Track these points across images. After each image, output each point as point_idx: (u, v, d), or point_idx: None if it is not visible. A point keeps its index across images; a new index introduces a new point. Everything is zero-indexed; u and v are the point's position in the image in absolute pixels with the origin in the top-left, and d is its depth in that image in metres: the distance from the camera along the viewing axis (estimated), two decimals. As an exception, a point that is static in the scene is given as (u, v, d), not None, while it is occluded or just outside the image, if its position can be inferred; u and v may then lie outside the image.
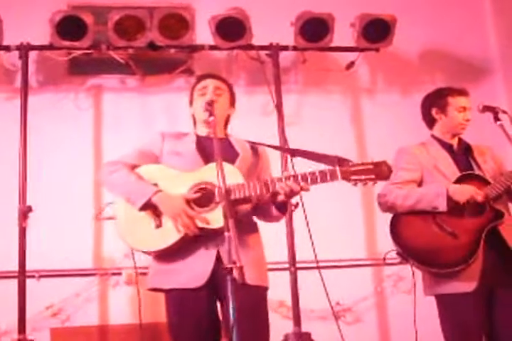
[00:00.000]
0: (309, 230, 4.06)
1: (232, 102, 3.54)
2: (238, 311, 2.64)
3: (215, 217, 3.05)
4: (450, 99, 3.89)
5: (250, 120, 5.16)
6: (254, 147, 3.48)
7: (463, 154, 3.86)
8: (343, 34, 5.20)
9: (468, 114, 3.85)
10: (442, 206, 3.64)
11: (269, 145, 3.56)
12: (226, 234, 2.67)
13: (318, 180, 3.05)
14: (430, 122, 3.96)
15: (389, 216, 3.92)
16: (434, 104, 3.94)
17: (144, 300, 3.77)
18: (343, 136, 5.35)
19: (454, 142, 3.89)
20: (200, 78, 3.55)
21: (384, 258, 3.93)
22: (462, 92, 3.90)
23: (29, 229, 4.64)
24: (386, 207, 3.85)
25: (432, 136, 3.93)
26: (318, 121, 5.40)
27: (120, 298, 4.89)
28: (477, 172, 3.72)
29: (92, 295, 4.98)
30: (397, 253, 3.77)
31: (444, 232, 3.65)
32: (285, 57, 5.45)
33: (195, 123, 3.54)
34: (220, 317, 3.21)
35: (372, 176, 2.98)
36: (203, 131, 3.45)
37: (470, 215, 3.64)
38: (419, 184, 3.85)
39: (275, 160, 4.59)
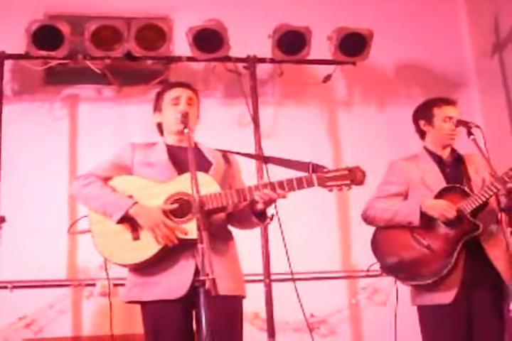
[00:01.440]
0: (284, 242, 4.07)
1: (198, 113, 3.50)
2: (213, 322, 2.64)
3: (192, 228, 3.03)
4: (436, 110, 3.90)
5: (227, 131, 5.19)
6: (225, 155, 3.47)
7: (453, 165, 3.86)
8: (320, 47, 5.22)
9: (455, 123, 3.82)
10: (416, 221, 3.69)
11: (241, 154, 3.56)
12: (199, 245, 2.67)
13: (295, 187, 3.06)
14: (421, 134, 3.99)
15: (363, 228, 3.97)
16: (421, 116, 3.97)
17: (118, 312, 3.75)
18: (319, 148, 5.35)
19: (446, 153, 3.89)
20: (172, 86, 3.51)
21: (367, 270, 3.97)
22: (449, 102, 3.92)
23: (2, 239, 4.61)
24: (368, 221, 3.92)
25: (424, 147, 3.94)
26: (295, 134, 5.41)
27: (94, 309, 4.85)
28: (458, 185, 3.71)
29: (66, 307, 4.95)
30: (380, 267, 3.84)
31: (420, 246, 3.69)
32: (262, 70, 5.46)
33: (161, 131, 3.50)
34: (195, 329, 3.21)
35: (347, 182, 3.03)
36: (173, 140, 3.43)
37: (447, 228, 3.66)
38: (405, 197, 3.87)
39: (249, 169, 4.62)
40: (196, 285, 2.67)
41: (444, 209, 3.63)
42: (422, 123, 3.95)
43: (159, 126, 3.51)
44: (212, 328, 2.63)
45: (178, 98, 3.41)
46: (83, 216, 3.32)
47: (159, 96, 3.49)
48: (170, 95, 3.44)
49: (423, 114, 3.95)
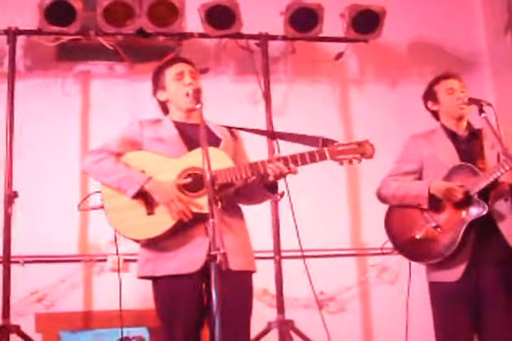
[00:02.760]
0: (294, 219, 4.07)
1: None
2: (224, 297, 2.64)
3: (206, 202, 3.04)
4: (436, 87, 3.92)
5: (238, 108, 5.19)
6: (231, 131, 3.47)
7: (468, 141, 3.84)
8: (333, 24, 5.20)
9: (458, 93, 3.83)
10: (424, 203, 3.71)
11: (249, 130, 3.56)
12: (210, 220, 2.68)
13: (308, 160, 3.07)
14: (434, 115, 3.99)
15: (373, 206, 3.99)
16: (427, 98, 3.98)
17: (129, 288, 3.78)
18: (330, 125, 5.34)
19: (461, 128, 3.86)
20: (172, 62, 3.48)
21: (381, 248, 4.00)
22: (446, 76, 3.92)
23: (15, 214, 4.63)
24: (381, 200, 3.94)
25: (441, 124, 3.93)
26: (306, 111, 5.41)
27: (105, 284, 4.89)
28: (468, 164, 3.69)
29: (77, 282, 4.99)
30: (392, 245, 3.88)
31: (429, 225, 3.71)
32: (274, 47, 5.44)
33: (165, 109, 3.50)
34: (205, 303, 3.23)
35: (358, 155, 3.05)
36: (180, 116, 3.42)
37: (456, 208, 3.66)
38: (420, 174, 3.88)
39: (260, 145, 4.63)
40: (207, 259, 2.69)
41: (451, 192, 3.64)
42: (430, 104, 3.96)
43: (163, 105, 3.50)
44: (223, 303, 2.64)
45: (181, 73, 3.40)
46: (93, 192, 3.33)
47: (159, 73, 3.47)
48: (172, 71, 3.43)
49: (428, 95, 3.97)
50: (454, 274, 3.61)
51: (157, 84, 3.48)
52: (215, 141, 3.30)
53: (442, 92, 3.89)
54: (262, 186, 3.21)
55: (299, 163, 3.09)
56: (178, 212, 3.10)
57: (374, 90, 5.63)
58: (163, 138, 3.33)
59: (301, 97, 5.50)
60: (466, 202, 3.63)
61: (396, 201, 3.85)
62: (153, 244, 3.21)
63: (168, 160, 3.24)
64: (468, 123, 3.89)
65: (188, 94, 3.27)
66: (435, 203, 3.71)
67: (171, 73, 3.42)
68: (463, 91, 3.85)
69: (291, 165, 3.08)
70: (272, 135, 4.14)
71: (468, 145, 3.83)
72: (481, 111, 3.56)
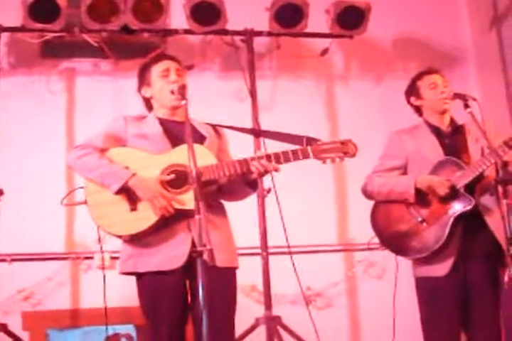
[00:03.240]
0: (281, 215, 4.08)
1: None
2: (209, 293, 2.67)
3: (188, 198, 3.07)
4: (419, 83, 3.93)
5: (224, 105, 5.19)
6: (216, 129, 3.48)
7: (452, 136, 3.86)
8: (318, 20, 5.20)
9: (441, 88, 3.85)
10: (411, 198, 3.73)
11: (235, 128, 3.57)
12: (196, 216, 2.70)
13: (291, 158, 3.12)
14: (417, 111, 4.00)
15: (360, 201, 3.99)
16: (410, 93, 3.99)
17: (116, 285, 3.77)
18: (316, 121, 5.36)
19: (444, 124, 3.88)
20: (158, 59, 3.48)
21: (368, 244, 4.01)
22: (428, 71, 3.94)
23: (1, 212, 4.61)
24: (367, 196, 3.95)
25: (424, 120, 3.95)
26: (292, 107, 5.42)
27: (92, 282, 4.87)
28: (453, 158, 3.71)
29: (64, 280, 4.98)
30: (379, 240, 3.90)
31: (416, 220, 3.72)
32: (260, 43, 5.44)
33: (149, 105, 3.49)
34: (189, 299, 3.24)
35: (341, 154, 3.11)
36: (164, 113, 3.42)
37: (442, 203, 3.68)
38: (404, 170, 3.89)
39: (246, 143, 4.63)
40: (194, 255, 2.70)
41: (436, 185, 3.65)
42: (413, 99, 3.97)
43: (147, 101, 3.49)
44: (209, 299, 2.66)
45: (167, 70, 3.39)
46: (78, 187, 3.33)
47: (145, 70, 3.46)
48: (158, 68, 3.42)
49: (411, 90, 3.98)
50: (441, 269, 3.63)
51: (142, 80, 3.48)
52: (199, 139, 3.31)
53: (425, 87, 3.90)
54: (243, 183, 3.24)
55: (282, 161, 3.13)
56: (161, 208, 3.11)
57: (359, 86, 5.64)
58: (147, 134, 3.33)
59: (287, 93, 5.50)
60: (452, 196, 3.64)
61: (382, 197, 3.85)
62: (135, 239, 3.22)
63: (151, 157, 3.25)
64: (451, 119, 3.91)
65: (173, 92, 3.28)
66: (421, 198, 3.73)
67: (156, 70, 3.42)
68: (445, 86, 3.87)
69: (273, 163, 3.11)
70: (256, 133, 4.16)
71: (452, 140, 3.85)
72: (466, 105, 3.57)
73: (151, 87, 3.44)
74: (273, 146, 3.29)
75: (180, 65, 3.47)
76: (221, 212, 3.36)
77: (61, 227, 5.00)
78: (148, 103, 3.50)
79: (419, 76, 3.95)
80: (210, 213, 3.15)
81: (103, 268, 3.71)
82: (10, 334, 4.44)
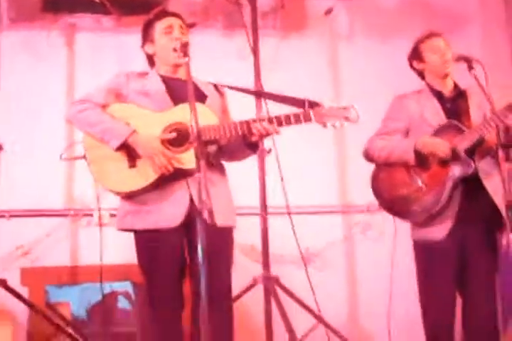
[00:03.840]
0: (281, 176, 4.08)
1: None
2: (206, 251, 2.68)
3: (188, 157, 3.05)
4: (421, 46, 3.91)
5: (227, 63, 5.14)
6: (217, 88, 3.46)
7: (454, 101, 3.85)
8: (323, -21, 5.15)
9: (443, 51, 3.83)
10: (411, 160, 3.73)
11: (236, 88, 3.55)
12: (197, 174, 2.70)
13: (292, 121, 3.12)
14: (420, 75, 3.99)
15: (360, 163, 4.00)
16: (412, 57, 3.97)
17: (116, 242, 3.78)
18: (321, 81, 5.32)
19: (447, 88, 3.87)
20: (161, 15, 3.47)
21: (368, 207, 4.01)
22: (430, 35, 3.92)
23: (0, 167, 4.61)
24: (368, 158, 3.95)
25: (426, 84, 3.94)
26: (296, 67, 5.36)
27: (91, 238, 4.88)
28: (454, 121, 3.71)
29: (63, 236, 4.98)
30: (378, 203, 3.92)
31: (415, 183, 3.73)
32: (264, 2, 5.37)
33: (152, 62, 3.47)
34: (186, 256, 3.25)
35: (342, 119, 3.11)
36: (167, 70, 3.40)
37: (442, 165, 3.68)
38: (406, 133, 3.89)
39: (248, 103, 4.60)
40: (193, 214, 2.70)
41: (436, 147, 3.65)
42: (415, 63, 3.96)
43: (150, 58, 3.48)
44: (205, 255, 2.68)
45: (171, 26, 3.38)
46: (76, 142, 3.33)
47: (149, 26, 3.45)
48: (161, 24, 3.41)
49: (413, 54, 3.96)
50: (439, 232, 3.64)
51: (146, 37, 3.46)
52: (201, 97, 3.29)
53: (428, 51, 3.88)
54: (244, 144, 3.23)
55: (284, 123, 3.12)
56: (161, 167, 3.11)
57: (364, 45, 5.57)
58: (149, 92, 3.31)
59: (291, 53, 5.44)
60: (452, 159, 3.64)
61: (382, 159, 3.85)
62: (133, 196, 3.23)
63: (153, 114, 3.23)
64: (454, 83, 3.90)
65: (175, 49, 3.26)
66: (421, 160, 3.72)
67: (160, 26, 3.40)
68: (447, 50, 3.85)
69: (276, 125, 3.10)
70: (257, 94, 4.13)
71: (454, 105, 3.84)
72: (470, 67, 3.55)
73: (154, 44, 3.42)
74: (276, 107, 3.27)
75: (184, 22, 3.45)
76: (220, 171, 3.37)
77: (60, 183, 4.99)
78: (151, 59, 3.48)
79: (422, 39, 3.93)
80: (210, 172, 3.15)
81: (100, 225, 3.71)
82: (9, 289, 4.46)
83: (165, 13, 3.55)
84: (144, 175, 3.15)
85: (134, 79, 3.37)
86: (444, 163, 3.67)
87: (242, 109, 3.52)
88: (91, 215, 4.93)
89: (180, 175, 3.14)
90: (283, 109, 3.16)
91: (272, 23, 5.54)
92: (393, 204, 3.80)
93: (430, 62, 3.88)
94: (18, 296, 4.47)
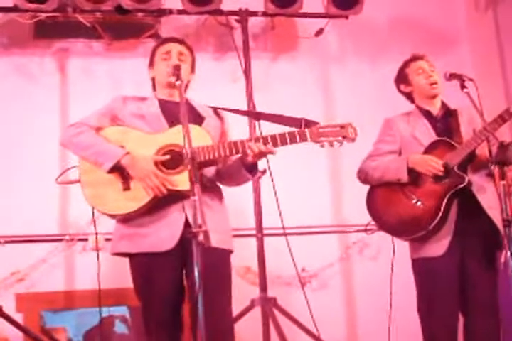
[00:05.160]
0: (276, 197, 4.07)
1: (193, 68, 3.51)
2: (203, 274, 2.67)
3: (182, 179, 3.03)
4: (407, 70, 3.97)
5: (219, 86, 5.16)
6: (216, 111, 3.47)
7: (443, 119, 3.88)
8: (313, 1, 5.17)
9: (428, 72, 3.89)
10: (404, 177, 3.74)
11: (232, 110, 3.55)
12: (192, 198, 2.69)
13: (288, 141, 3.10)
14: (408, 98, 4.03)
15: (354, 183, 4.00)
16: (399, 81, 4.03)
17: (111, 266, 3.76)
18: (311, 102, 5.34)
19: (436, 107, 3.91)
20: (163, 42, 3.53)
21: (366, 225, 4.01)
22: (414, 58, 3.98)
23: (-7, 193, 4.61)
24: (362, 180, 3.97)
25: (416, 105, 3.98)
26: (287, 88, 5.39)
27: (86, 263, 4.86)
28: (445, 138, 3.74)
29: (58, 261, 4.96)
30: (375, 223, 3.92)
31: (410, 201, 3.73)
32: (254, 23, 5.41)
33: (154, 86, 3.51)
34: (185, 281, 3.23)
35: (340, 138, 3.09)
36: (164, 94, 3.42)
37: (435, 181, 3.69)
38: (399, 155, 3.91)
39: (242, 125, 4.61)
40: (189, 236, 2.69)
41: (429, 163, 3.67)
42: (402, 87, 4.01)
43: (153, 82, 3.52)
44: (204, 281, 2.66)
45: (168, 52, 3.42)
46: (72, 166, 3.32)
47: (153, 51, 3.51)
48: (161, 50, 3.46)
49: (399, 78, 4.02)
50: (438, 249, 3.64)
51: (150, 61, 3.52)
52: (197, 120, 3.31)
53: (413, 74, 3.95)
54: (242, 167, 3.21)
55: (279, 143, 3.10)
56: (153, 188, 3.10)
57: (354, 67, 5.61)
58: (145, 114, 3.33)
59: (282, 74, 5.47)
60: (445, 174, 3.66)
61: (376, 179, 3.87)
62: (128, 219, 3.21)
63: (147, 136, 3.24)
64: (443, 103, 3.95)
65: (169, 74, 3.26)
66: (415, 178, 3.74)
67: (159, 52, 3.46)
68: (432, 71, 3.91)
69: (270, 145, 3.08)
70: (254, 115, 4.14)
71: (444, 123, 3.88)
72: (462, 86, 3.57)
73: (154, 69, 3.47)
74: (270, 128, 3.27)
75: (186, 47, 3.48)
76: (217, 194, 3.36)
77: (55, 208, 4.99)
78: (153, 84, 3.52)
79: (406, 64, 4.00)
80: (205, 195, 3.16)
81: (97, 249, 3.69)
82: (4, 315, 4.43)
83: (166, 39, 3.61)
84: (137, 198, 3.14)
85: (131, 103, 3.38)
86: (438, 179, 3.68)
87: (236, 131, 3.52)
88: (86, 240, 4.92)
89: (175, 197, 3.13)
90: (278, 131, 3.15)
91: (263, 44, 5.57)
92: (390, 223, 3.80)
93: (416, 84, 3.93)
94: (13, 322, 4.45)
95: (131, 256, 3.24)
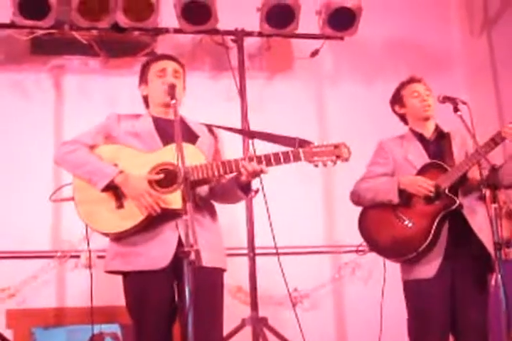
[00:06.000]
0: (269, 216, 4.07)
1: (184, 86, 3.50)
2: (195, 293, 2.67)
3: (176, 198, 3.03)
4: (402, 92, 3.99)
5: (214, 105, 5.18)
6: (211, 129, 3.47)
7: (436, 142, 3.89)
8: (309, 21, 5.20)
9: (423, 96, 3.90)
10: (395, 198, 3.75)
11: (227, 128, 3.55)
12: (184, 217, 2.69)
13: (282, 161, 3.09)
14: (402, 119, 4.05)
15: (347, 204, 4.00)
16: (394, 102, 4.04)
17: (102, 284, 3.75)
18: (306, 123, 5.36)
19: (429, 130, 3.92)
20: (158, 58, 3.51)
21: (357, 247, 4.01)
22: (411, 80, 4.00)
23: (-14, 209, 4.61)
24: (355, 201, 3.97)
25: (409, 128, 3.99)
26: (282, 108, 5.41)
27: (78, 280, 4.85)
28: (437, 161, 3.75)
29: (50, 278, 4.95)
30: (367, 245, 3.92)
31: (402, 223, 3.73)
32: (250, 43, 5.44)
33: (147, 103, 3.49)
34: (176, 300, 3.22)
35: (333, 157, 3.08)
36: (158, 112, 3.41)
37: (426, 203, 3.70)
38: (392, 176, 3.90)
39: (236, 143, 4.62)
40: (180, 256, 2.69)
41: (420, 185, 3.68)
42: (397, 108, 4.02)
43: (145, 99, 3.50)
44: (195, 300, 2.66)
45: (163, 70, 3.40)
46: (66, 184, 3.32)
47: (145, 68, 3.48)
48: (156, 67, 3.43)
49: (395, 99, 4.03)
50: (429, 271, 3.63)
51: (141, 78, 3.50)
52: (191, 138, 3.30)
53: (408, 96, 3.96)
54: (235, 185, 3.20)
55: (273, 163, 3.10)
56: (147, 207, 3.09)
57: (349, 87, 5.64)
58: (139, 133, 3.32)
59: (277, 94, 5.50)
60: (436, 196, 3.67)
61: (367, 201, 3.88)
62: (122, 238, 3.20)
63: (141, 155, 3.23)
64: (437, 126, 3.96)
65: (165, 92, 3.25)
66: (406, 199, 3.75)
67: (154, 69, 3.43)
68: (428, 95, 3.92)
69: (262, 165, 3.08)
70: (248, 134, 4.15)
71: (437, 146, 3.89)
72: (455, 109, 3.59)
73: (148, 86, 3.45)
74: (265, 148, 3.28)
75: (180, 65, 3.47)
76: (210, 213, 3.34)
77: (47, 225, 4.99)
78: (146, 101, 3.50)
79: (402, 85, 4.01)
80: (199, 214, 3.16)
81: (90, 266, 3.68)
82: (-6, 332, 4.43)
83: (161, 56, 3.58)
84: (131, 216, 3.13)
85: (125, 121, 3.37)
86: (429, 200, 3.69)
87: (230, 149, 3.53)
88: (78, 257, 4.91)
89: (169, 215, 3.12)
90: (272, 150, 3.15)
91: (258, 64, 5.60)
92: (381, 245, 3.80)
93: (411, 106, 3.95)
94: (3, 339, 4.43)
95: (124, 274, 3.23)
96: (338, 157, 3.07)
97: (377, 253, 3.86)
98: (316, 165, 3.09)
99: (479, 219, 3.64)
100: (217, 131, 3.50)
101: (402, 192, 3.74)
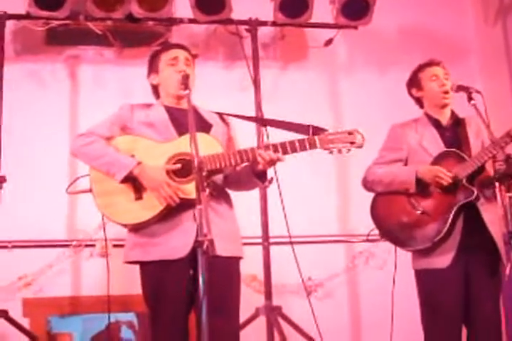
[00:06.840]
0: (283, 205, 4.08)
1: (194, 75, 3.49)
2: (211, 283, 2.67)
3: (194, 188, 3.04)
4: (420, 74, 3.92)
5: (228, 95, 5.18)
6: (223, 118, 3.47)
7: (452, 129, 3.85)
8: (323, 11, 5.19)
9: (442, 80, 3.85)
10: (412, 188, 3.71)
11: (240, 116, 3.54)
12: (198, 206, 2.69)
13: (298, 148, 3.09)
14: (418, 102, 3.99)
15: (362, 192, 3.99)
16: (411, 85, 3.98)
17: (117, 273, 3.78)
18: (320, 112, 5.34)
19: (445, 117, 3.87)
20: (168, 47, 3.50)
21: (367, 235, 4.00)
22: (430, 63, 3.94)
23: (2, 199, 4.62)
24: (367, 187, 3.93)
25: (424, 112, 3.94)
26: (296, 97, 5.41)
27: (93, 269, 4.89)
28: (454, 149, 3.71)
29: (65, 267, 4.98)
30: (378, 232, 3.88)
31: (416, 211, 3.71)
32: (264, 33, 5.44)
33: (156, 93, 3.49)
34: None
35: (348, 144, 3.08)
36: (170, 102, 3.41)
37: (443, 193, 3.67)
38: (405, 162, 3.88)
39: (249, 132, 4.63)
40: (194, 245, 2.70)
41: (438, 175, 3.64)
42: (414, 91, 3.97)
43: (155, 88, 3.50)
44: (211, 289, 2.66)
45: (175, 58, 3.39)
46: (82, 175, 3.33)
47: (155, 57, 3.48)
48: (167, 56, 3.42)
49: (412, 82, 3.97)
50: (443, 261, 3.61)
51: (151, 67, 3.49)
52: (205, 127, 3.30)
53: (426, 79, 3.89)
54: (251, 174, 3.20)
55: (289, 150, 3.09)
56: (166, 198, 3.10)
57: (363, 77, 5.63)
58: (154, 122, 3.32)
59: (291, 83, 5.50)
60: (453, 187, 3.64)
61: (382, 187, 3.83)
62: (141, 228, 3.21)
63: (157, 145, 3.24)
64: (452, 112, 3.90)
65: (178, 81, 3.25)
66: (422, 188, 3.71)
67: (165, 58, 3.42)
68: (446, 79, 3.86)
69: (279, 153, 3.08)
70: (261, 122, 4.14)
71: (453, 133, 3.84)
72: (469, 98, 3.57)
73: (159, 75, 3.44)
74: (277, 136, 3.28)
75: (190, 54, 3.46)
76: (226, 201, 3.35)
77: (63, 214, 5.02)
78: (155, 90, 3.49)
79: (421, 68, 3.94)
80: (214, 202, 3.18)
81: (106, 255, 3.70)
82: (10, 320, 4.46)
83: (171, 45, 3.60)
84: (150, 207, 3.14)
85: (139, 111, 3.37)
86: (446, 191, 3.66)
87: (244, 138, 3.53)
88: (93, 246, 4.94)
89: (187, 205, 3.11)
90: (284, 138, 3.15)
91: (272, 54, 5.60)
92: (394, 233, 3.77)
93: (428, 90, 3.89)
94: (20, 327, 4.47)
95: (142, 263, 3.24)
96: (352, 143, 3.07)
97: (387, 240, 3.82)
98: (331, 152, 3.09)
99: (492, 211, 3.61)
100: (229, 118, 3.50)
101: (418, 181, 3.70)
